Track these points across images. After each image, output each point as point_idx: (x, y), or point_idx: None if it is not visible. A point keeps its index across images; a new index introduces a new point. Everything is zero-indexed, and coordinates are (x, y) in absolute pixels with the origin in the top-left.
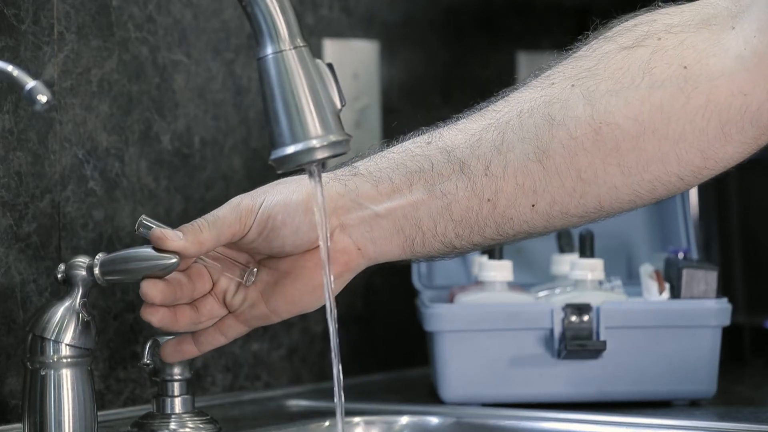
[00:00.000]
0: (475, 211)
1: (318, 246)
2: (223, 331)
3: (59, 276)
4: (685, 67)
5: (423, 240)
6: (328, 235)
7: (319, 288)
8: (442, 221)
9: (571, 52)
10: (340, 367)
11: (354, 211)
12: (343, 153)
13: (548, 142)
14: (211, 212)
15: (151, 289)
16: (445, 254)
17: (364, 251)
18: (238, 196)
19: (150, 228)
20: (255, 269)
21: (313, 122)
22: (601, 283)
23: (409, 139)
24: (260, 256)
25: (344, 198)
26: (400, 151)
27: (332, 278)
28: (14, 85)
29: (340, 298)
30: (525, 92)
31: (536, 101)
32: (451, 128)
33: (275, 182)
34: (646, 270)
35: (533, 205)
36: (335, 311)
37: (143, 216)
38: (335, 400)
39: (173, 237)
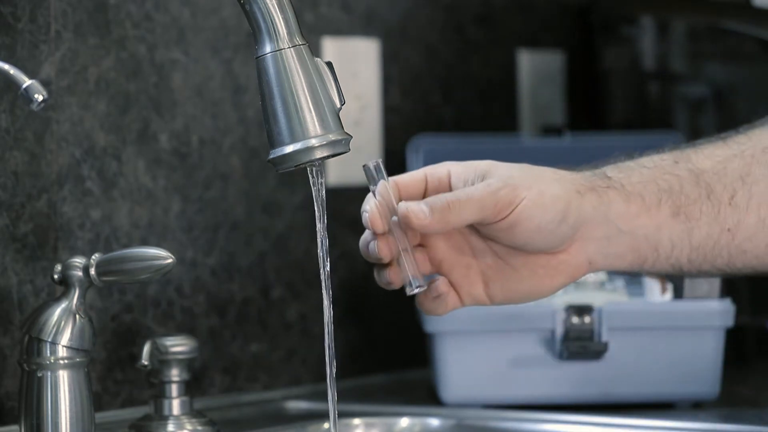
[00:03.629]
0: (714, 239)
1: (554, 253)
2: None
3: (56, 277)
4: None
5: (655, 261)
6: (563, 244)
7: (542, 293)
8: (680, 245)
9: None
10: (334, 369)
11: (600, 227)
12: (342, 152)
13: None
14: (465, 189)
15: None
16: (669, 274)
17: (593, 264)
18: (497, 179)
19: (378, 179)
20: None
21: (312, 121)
22: (603, 283)
23: (654, 153)
24: (492, 243)
25: (597, 211)
26: (651, 166)
27: (554, 286)
28: (11, 83)
29: (340, 299)
30: (766, 130)
31: None
32: (696, 151)
33: (539, 173)
34: None
35: None
36: (331, 314)
37: (380, 161)
38: (329, 402)
39: (420, 215)
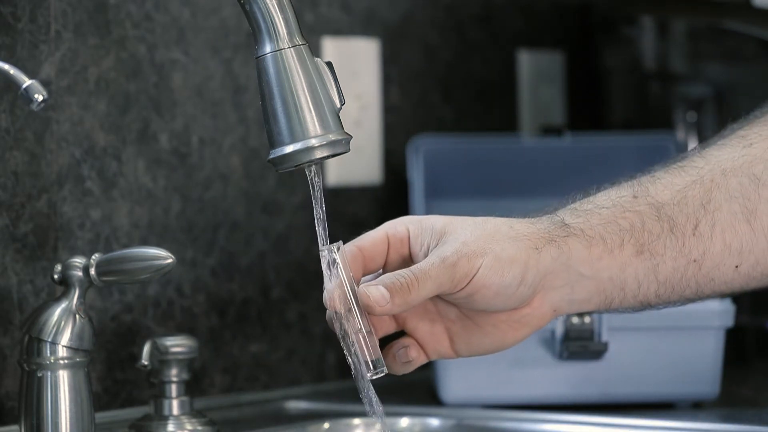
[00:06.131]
0: (681, 272)
1: (517, 309)
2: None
3: (56, 277)
4: None
5: (622, 300)
6: (528, 298)
7: (507, 345)
8: (646, 282)
9: (762, 110)
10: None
11: (561, 275)
12: (342, 152)
13: (755, 203)
14: (420, 266)
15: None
16: (636, 310)
17: (559, 311)
18: (451, 248)
19: (336, 263)
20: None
21: (312, 121)
22: None
23: (612, 188)
24: (454, 305)
25: (556, 262)
26: (610, 205)
27: (518, 334)
28: (11, 83)
29: None
30: (722, 150)
31: (737, 160)
32: (654, 182)
33: (494, 231)
34: None
35: (737, 267)
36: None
37: (340, 243)
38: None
39: (381, 302)
